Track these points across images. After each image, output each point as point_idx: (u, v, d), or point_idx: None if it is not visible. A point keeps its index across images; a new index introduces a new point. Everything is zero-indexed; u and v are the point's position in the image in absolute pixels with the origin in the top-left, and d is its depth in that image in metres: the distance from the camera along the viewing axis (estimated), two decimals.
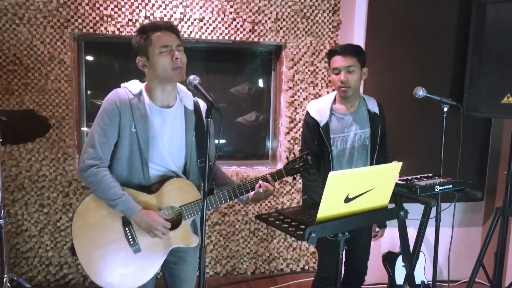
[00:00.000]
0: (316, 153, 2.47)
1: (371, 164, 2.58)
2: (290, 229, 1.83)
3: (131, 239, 1.93)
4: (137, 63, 1.98)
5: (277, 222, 1.90)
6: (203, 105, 2.11)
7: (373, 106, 2.59)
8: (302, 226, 1.80)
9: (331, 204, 1.73)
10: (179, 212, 1.99)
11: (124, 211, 1.90)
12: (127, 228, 1.94)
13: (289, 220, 1.90)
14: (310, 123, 2.52)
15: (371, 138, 2.56)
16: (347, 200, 1.77)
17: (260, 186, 2.02)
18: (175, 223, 1.99)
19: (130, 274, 1.94)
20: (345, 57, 2.42)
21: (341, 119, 2.52)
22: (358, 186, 1.77)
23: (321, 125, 2.47)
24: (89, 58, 3.60)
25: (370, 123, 2.56)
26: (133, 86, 1.98)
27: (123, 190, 1.90)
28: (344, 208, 1.78)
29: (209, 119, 1.77)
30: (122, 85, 2.01)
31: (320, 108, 2.53)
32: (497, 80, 3.09)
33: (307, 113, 2.56)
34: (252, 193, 2.05)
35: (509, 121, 3.46)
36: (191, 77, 1.85)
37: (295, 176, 2.11)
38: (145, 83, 2.03)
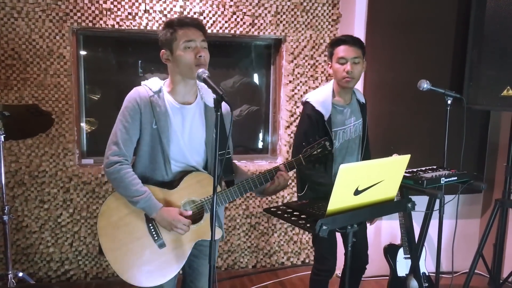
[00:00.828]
0: None
1: (361, 154, 2.60)
2: (300, 221, 1.84)
3: (155, 235, 1.96)
4: (161, 56, 2.00)
5: (285, 215, 1.91)
6: (224, 105, 2.11)
7: (361, 97, 2.65)
8: (310, 219, 1.82)
9: (341, 197, 1.74)
10: (201, 206, 2.01)
11: (145, 209, 1.92)
12: (150, 225, 1.96)
13: (298, 213, 1.92)
14: (314, 116, 2.46)
15: (362, 128, 2.60)
16: (357, 192, 1.78)
17: (277, 177, 2.02)
18: (197, 217, 2.01)
19: (157, 269, 1.96)
20: (353, 48, 2.41)
21: (341, 111, 2.52)
22: (368, 178, 1.79)
23: (326, 118, 2.44)
24: (88, 52, 3.57)
25: (361, 113, 2.60)
26: (153, 83, 2.00)
27: (144, 187, 1.92)
28: (354, 201, 1.80)
29: (219, 113, 1.77)
30: (142, 83, 2.02)
31: (323, 100, 2.49)
32: (497, 72, 3.11)
33: (311, 106, 2.48)
34: (269, 183, 2.05)
35: (507, 113, 3.50)
36: (200, 70, 1.84)
37: (315, 164, 2.10)
38: (165, 80, 2.05)
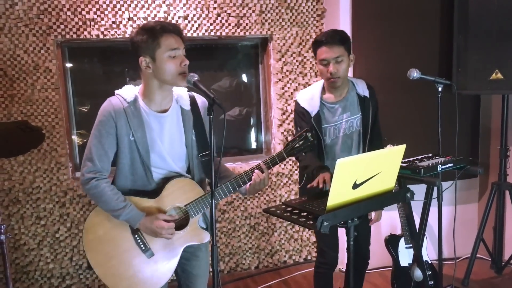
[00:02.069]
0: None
1: (364, 148, 2.58)
2: (300, 219, 1.83)
3: (142, 245, 1.96)
4: (139, 63, 1.91)
5: (286, 214, 1.90)
6: (200, 101, 2.09)
7: (363, 90, 2.57)
8: (311, 216, 1.81)
9: (340, 191, 1.74)
10: (186, 211, 2.00)
11: (128, 221, 1.91)
12: (136, 236, 1.96)
13: (298, 211, 1.91)
14: (301, 112, 2.51)
15: (362, 122, 2.54)
16: (355, 186, 1.77)
17: (253, 177, 2.01)
18: (184, 222, 2.00)
19: (149, 279, 1.96)
20: (332, 48, 2.36)
21: (331, 108, 2.51)
22: (365, 171, 1.78)
23: (312, 115, 2.46)
24: (73, 64, 3.53)
25: (360, 108, 2.54)
26: (127, 92, 1.95)
27: (125, 198, 1.90)
28: (353, 194, 1.79)
29: (211, 116, 1.76)
30: (116, 92, 1.97)
31: (310, 98, 2.51)
32: (484, 56, 3.13)
33: (297, 103, 2.54)
34: (248, 184, 2.03)
35: (497, 96, 3.51)
36: (190, 74, 1.84)
37: (297, 156, 2.10)
38: (139, 87, 2.00)
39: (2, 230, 2.51)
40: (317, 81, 3.69)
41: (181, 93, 2.05)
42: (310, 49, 3.67)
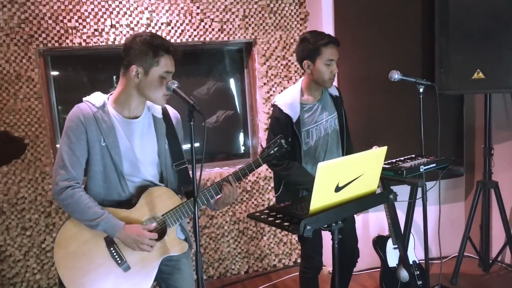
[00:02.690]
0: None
1: (343, 147, 2.62)
2: (284, 224, 1.83)
3: (118, 259, 1.87)
4: (129, 70, 1.87)
5: (270, 219, 1.90)
6: (172, 112, 2.09)
7: (333, 90, 2.63)
8: (294, 221, 1.81)
9: (322, 195, 1.74)
10: (163, 221, 1.94)
11: (106, 230, 1.83)
12: (111, 248, 1.87)
13: (281, 216, 1.91)
14: (282, 119, 2.45)
15: (338, 122, 2.59)
16: (338, 189, 1.78)
17: (223, 189, 1.99)
18: (160, 233, 1.94)
19: None
20: (337, 49, 2.43)
21: (311, 109, 2.52)
22: (347, 174, 1.79)
23: (294, 120, 2.44)
24: (57, 73, 3.51)
25: (335, 107, 2.59)
26: (96, 98, 1.91)
27: (102, 208, 1.84)
28: (335, 198, 1.80)
29: (192, 123, 1.75)
30: (84, 99, 1.93)
31: (291, 102, 2.48)
32: (465, 56, 3.15)
33: (278, 109, 2.47)
34: (217, 197, 2.01)
35: (480, 95, 3.54)
36: (169, 82, 1.83)
37: (272, 164, 2.16)
38: (109, 94, 1.97)
39: None
40: None
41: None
42: (295, 52, 3.69)
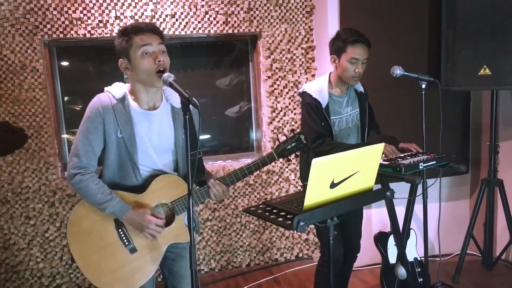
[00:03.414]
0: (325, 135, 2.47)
1: (362, 141, 2.65)
2: (278, 219, 1.82)
3: (125, 240, 1.94)
4: (119, 66, 1.94)
5: (266, 214, 1.89)
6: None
7: (359, 86, 2.66)
8: (290, 216, 1.80)
9: (317, 191, 1.72)
10: (171, 208, 1.99)
11: (114, 213, 1.90)
12: (120, 230, 1.95)
13: (277, 211, 1.90)
14: (313, 104, 2.49)
15: (360, 117, 2.62)
16: (333, 185, 1.76)
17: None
18: (169, 220, 1.99)
19: (130, 274, 1.95)
20: (365, 48, 2.44)
21: (337, 101, 2.56)
22: (343, 170, 1.77)
23: (324, 106, 2.48)
24: (63, 63, 3.53)
25: (358, 103, 2.63)
26: (116, 90, 1.95)
27: (111, 191, 1.90)
28: (331, 194, 1.78)
29: (187, 116, 1.74)
30: (105, 89, 1.97)
31: (320, 89, 2.52)
32: (472, 52, 3.11)
33: (308, 95, 2.51)
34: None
35: (487, 92, 3.49)
36: (165, 75, 1.81)
37: (289, 158, 2.09)
38: (128, 84, 2.00)
39: None
40: (307, 78, 3.71)
41: (171, 92, 2.04)
42: (300, 45, 3.67)
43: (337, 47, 2.48)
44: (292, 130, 2.14)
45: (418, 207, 3.17)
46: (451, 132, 3.58)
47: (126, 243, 1.94)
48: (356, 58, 2.42)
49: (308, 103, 2.49)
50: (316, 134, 2.44)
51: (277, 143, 2.10)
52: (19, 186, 3.30)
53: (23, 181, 3.30)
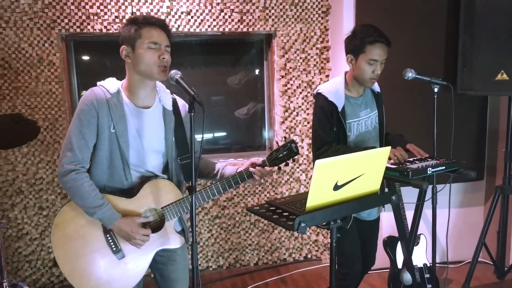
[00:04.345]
0: (335, 141, 2.36)
1: (382, 145, 2.53)
2: (281, 219, 1.81)
3: (113, 246, 1.89)
4: (120, 52, 1.90)
5: (268, 213, 1.88)
6: (181, 103, 2.07)
7: (376, 86, 2.52)
8: (293, 216, 1.79)
9: (319, 193, 1.71)
10: (162, 214, 1.94)
11: (102, 220, 1.84)
12: (108, 235, 1.89)
13: (280, 211, 1.89)
14: (327, 108, 2.33)
15: (379, 119, 2.50)
16: (336, 187, 1.74)
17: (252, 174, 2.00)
18: (158, 225, 1.94)
19: (117, 281, 1.89)
20: (385, 49, 2.26)
21: (354, 103, 2.42)
22: (346, 173, 1.75)
23: (339, 109, 2.33)
24: (80, 57, 3.58)
25: (376, 104, 2.51)
26: (110, 84, 1.91)
27: (102, 197, 1.84)
28: (334, 196, 1.76)
29: (192, 114, 1.74)
30: (98, 83, 1.93)
31: (336, 91, 2.37)
32: (490, 57, 3.04)
33: (323, 97, 2.35)
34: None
35: (505, 98, 3.41)
36: (172, 71, 1.81)
37: (279, 166, 2.05)
38: (123, 81, 1.97)
39: None
40: (321, 79, 3.68)
41: (164, 93, 2.03)
42: (314, 45, 3.64)
43: (355, 46, 2.30)
44: (284, 138, 2.09)
45: (430, 213, 3.13)
46: (466, 138, 3.51)
47: (114, 248, 1.88)
48: (375, 60, 2.25)
49: (322, 106, 2.34)
50: (321, 142, 2.33)
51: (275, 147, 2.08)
52: (33, 177, 3.36)
53: (37, 172, 3.36)
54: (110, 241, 1.89)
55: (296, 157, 2.05)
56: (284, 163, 2.04)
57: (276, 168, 2.05)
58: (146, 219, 1.91)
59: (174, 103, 2.04)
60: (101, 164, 1.90)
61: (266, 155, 2.07)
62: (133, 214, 1.90)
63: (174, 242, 1.97)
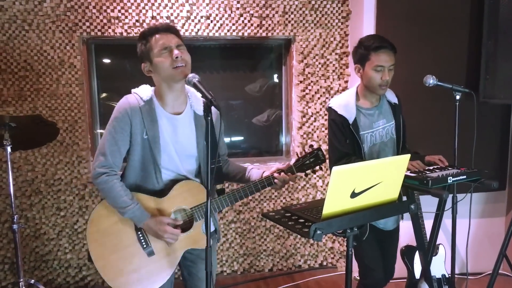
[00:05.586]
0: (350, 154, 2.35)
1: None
2: (296, 226, 1.79)
3: (144, 243, 1.97)
4: (142, 70, 1.99)
5: (283, 220, 1.86)
6: (213, 110, 2.09)
7: (393, 97, 2.49)
8: (308, 223, 1.76)
9: (336, 200, 1.69)
10: (191, 214, 2.00)
11: (132, 219, 1.93)
12: (139, 233, 1.97)
13: (296, 218, 1.87)
14: (338, 121, 2.34)
15: (396, 130, 2.46)
16: (354, 195, 1.71)
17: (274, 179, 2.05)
18: (187, 225, 2.00)
19: (146, 277, 1.96)
20: (390, 54, 2.26)
21: (368, 114, 2.40)
22: (364, 180, 1.72)
23: (351, 122, 2.32)
24: (101, 60, 3.62)
25: (393, 115, 2.46)
26: (144, 91, 1.98)
27: (132, 196, 1.93)
28: (351, 204, 1.73)
29: (209, 118, 1.74)
30: (132, 91, 2.01)
31: (346, 104, 2.37)
32: None
33: (334, 111, 2.36)
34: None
35: None
36: (190, 75, 1.83)
37: (306, 172, 2.10)
38: (154, 87, 2.03)
39: (15, 220, 2.59)
40: (340, 84, 3.65)
41: (196, 99, 2.07)
42: (334, 51, 3.62)
43: (360, 55, 2.32)
44: (311, 146, 2.14)
45: (449, 222, 3.07)
46: (488, 147, 3.44)
47: (144, 245, 1.96)
48: (381, 65, 2.25)
49: (333, 119, 2.36)
50: (340, 154, 2.32)
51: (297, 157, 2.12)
52: (52, 178, 3.40)
53: (56, 173, 3.40)
54: (141, 238, 1.97)
55: (320, 162, 2.07)
56: (311, 169, 2.09)
57: (303, 174, 2.12)
58: (174, 221, 1.96)
59: (206, 108, 2.06)
60: (134, 167, 1.99)
61: (284, 160, 2.08)
62: (163, 214, 1.97)
63: (202, 243, 2.01)
